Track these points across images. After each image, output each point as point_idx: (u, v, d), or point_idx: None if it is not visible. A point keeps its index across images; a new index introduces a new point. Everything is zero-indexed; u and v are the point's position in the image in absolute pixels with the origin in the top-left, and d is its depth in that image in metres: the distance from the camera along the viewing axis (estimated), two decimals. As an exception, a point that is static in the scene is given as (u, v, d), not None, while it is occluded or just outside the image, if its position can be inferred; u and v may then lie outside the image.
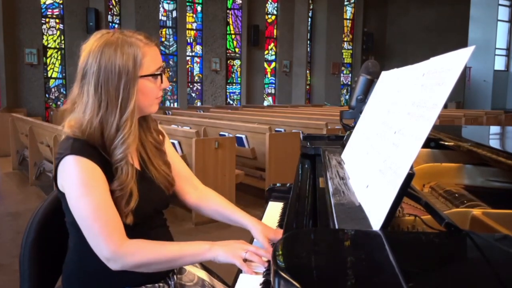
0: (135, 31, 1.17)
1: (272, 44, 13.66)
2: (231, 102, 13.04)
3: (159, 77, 1.16)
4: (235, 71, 13.06)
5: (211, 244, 1.11)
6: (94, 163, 1.07)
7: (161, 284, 1.23)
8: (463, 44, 11.77)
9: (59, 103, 10.19)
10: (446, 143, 1.50)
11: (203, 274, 1.35)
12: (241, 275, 1.07)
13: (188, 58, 12.08)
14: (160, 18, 11.36)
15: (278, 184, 1.80)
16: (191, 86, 12.31)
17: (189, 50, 12.09)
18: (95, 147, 1.10)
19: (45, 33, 9.80)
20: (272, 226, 1.36)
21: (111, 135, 1.10)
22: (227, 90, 12.97)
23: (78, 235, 1.15)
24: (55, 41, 10.00)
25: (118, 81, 1.09)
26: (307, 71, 14.15)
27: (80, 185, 1.06)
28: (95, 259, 1.13)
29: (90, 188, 1.06)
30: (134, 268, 1.09)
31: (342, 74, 14.86)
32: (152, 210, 1.24)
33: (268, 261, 1.07)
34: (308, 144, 1.82)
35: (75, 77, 1.15)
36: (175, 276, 1.28)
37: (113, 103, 1.09)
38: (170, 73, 11.67)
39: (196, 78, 12.38)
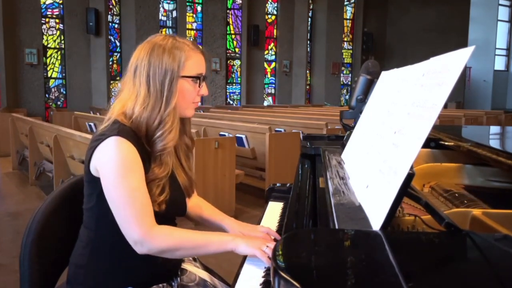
0: (185, 38, 1.25)
1: (272, 44, 13.66)
2: (231, 102, 13.03)
3: (198, 82, 1.22)
4: (235, 71, 13.05)
5: (234, 236, 1.17)
6: (136, 150, 1.12)
7: (164, 284, 1.24)
8: (463, 44, 11.78)
9: (59, 103, 10.19)
10: (446, 143, 1.50)
11: (204, 275, 1.36)
12: (241, 276, 1.07)
13: (188, 58, 12.07)
14: (160, 18, 11.35)
15: (278, 184, 1.80)
16: (191, 86, 12.30)
17: (189, 50, 12.08)
18: (139, 137, 1.16)
19: (45, 33, 9.80)
20: (272, 226, 1.36)
21: (154, 127, 1.17)
22: (227, 90, 12.96)
23: (95, 227, 1.18)
24: (55, 41, 10.00)
25: (163, 77, 1.17)
26: (307, 71, 14.14)
27: (121, 166, 1.09)
28: (106, 257, 1.17)
29: (130, 171, 1.10)
30: (160, 253, 1.11)
31: (342, 74, 14.86)
32: (173, 208, 1.25)
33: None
34: (308, 144, 1.82)
35: (126, 71, 1.23)
36: (178, 278, 1.29)
37: (159, 98, 1.17)
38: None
39: (196, 78, 12.37)
